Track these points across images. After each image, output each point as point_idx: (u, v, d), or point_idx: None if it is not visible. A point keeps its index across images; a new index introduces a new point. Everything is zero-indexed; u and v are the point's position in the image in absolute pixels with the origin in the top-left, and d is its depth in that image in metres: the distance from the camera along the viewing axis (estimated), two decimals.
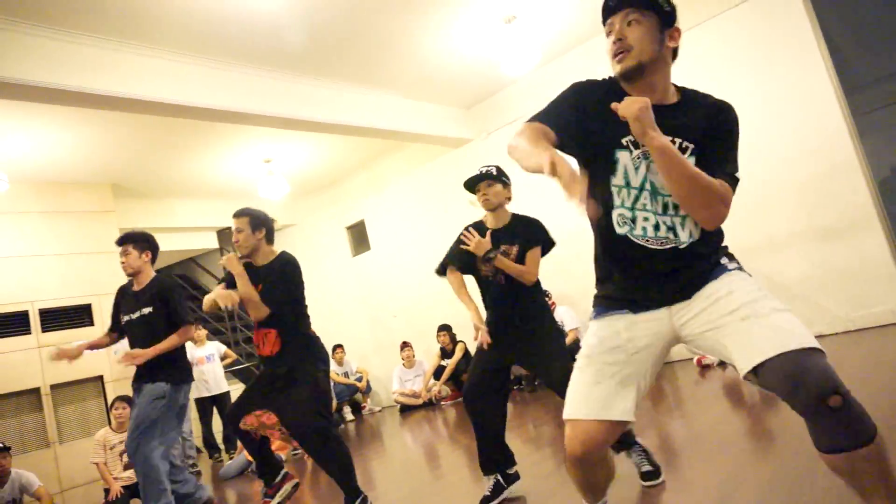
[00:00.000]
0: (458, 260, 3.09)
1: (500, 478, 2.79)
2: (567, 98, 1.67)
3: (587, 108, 1.62)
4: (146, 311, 3.56)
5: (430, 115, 7.08)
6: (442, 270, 3.17)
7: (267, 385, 3.14)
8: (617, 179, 1.60)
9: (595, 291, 1.79)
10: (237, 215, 3.26)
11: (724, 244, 1.67)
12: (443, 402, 7.34)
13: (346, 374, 8.46)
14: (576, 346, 6.35)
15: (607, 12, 1.61)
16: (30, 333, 6.22)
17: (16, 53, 4.07)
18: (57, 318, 6.42)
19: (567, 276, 6.82)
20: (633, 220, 1.60)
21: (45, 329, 6.29)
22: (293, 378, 3.05)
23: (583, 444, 1.58)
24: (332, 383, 8.01)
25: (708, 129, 1.59)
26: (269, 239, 3.28)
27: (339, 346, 8.67)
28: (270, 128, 6.16)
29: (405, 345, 7.92)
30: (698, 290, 1.56)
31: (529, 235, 3.02)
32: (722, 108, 1.63)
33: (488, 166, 3.08)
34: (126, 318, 3.65)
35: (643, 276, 1.62)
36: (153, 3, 4.23)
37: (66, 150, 6.13)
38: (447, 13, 5.19)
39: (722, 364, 5.08)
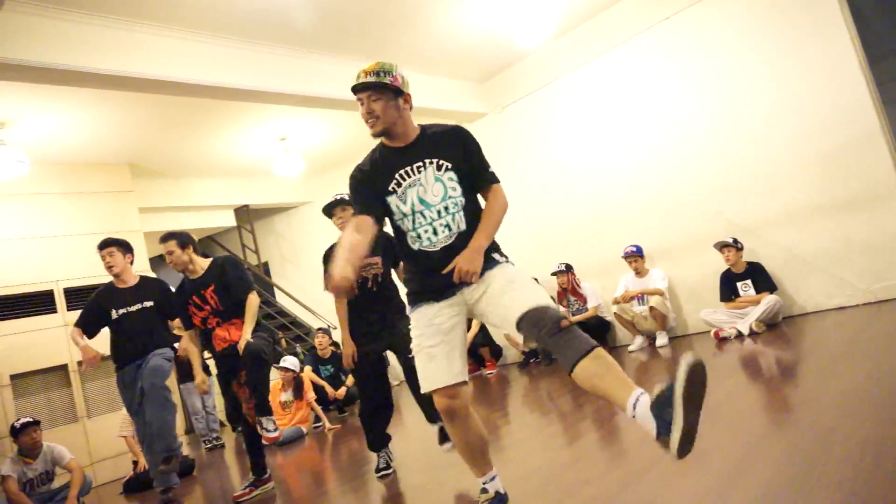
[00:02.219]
0: None
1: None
2: (360, 187, 2.22)
3: (374, 181, 2.18)
4: (147, 304, 4.23)
5: (445, 89, 7.03)
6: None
7: (233, 373, 3.75)
8: (397, 216, 2.19)
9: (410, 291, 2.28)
10: (163, 240, 3.77)
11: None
12: None
13: None
14: (596, 320, 6.37)
15: (356, 92, 2.22)
16: (56, 312, 6.36)
17: (32, 36, 4.09)
18: (81, 297, 6.53)
19: (587, 252, 6.81)
20: (419, 236, 2.16)
21: (70, 308, 6.43)
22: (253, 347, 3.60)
23: (447, 405, 2.11)
24: None
25: (458, 153, 2.17)
26: (197, 251, 3.89)
27: None
28: (285, 105, 6.16)
29: None
30: (480, 277, 2.05)
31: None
32: (456, 131, 2.22)
33: (341, 194, 3.47)
34: (122, 310, 4.19)
35: (437, 272, 2.10)
36: None
37: (84, 132, 6.19)
38: None
39: (739, 336, 5.07)
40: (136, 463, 5.35)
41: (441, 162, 2.15)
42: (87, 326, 4.19)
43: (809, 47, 4.98)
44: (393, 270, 3.63)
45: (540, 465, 2.90)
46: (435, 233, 2.14)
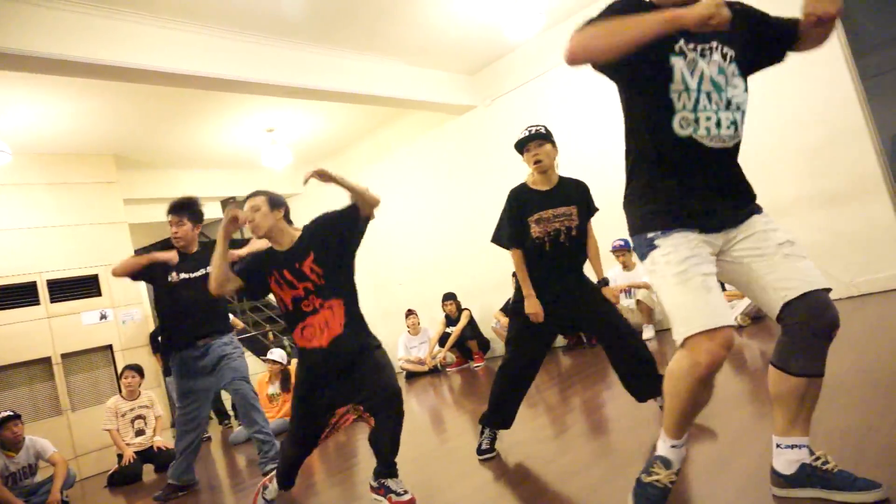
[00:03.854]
0: (515, 228, 2.99)
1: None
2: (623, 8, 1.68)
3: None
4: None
5: (434, 81, 7.00)
6: (509, 244, 3.00)
7: (329, 386, 2.68)
8: (676, 85, 1.66)
9: (635, 210, 1.79)
10: (250, 197, 2.84)
11: None
12: (448, 369, 7.43)
13: None
14: None
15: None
16: (38, 304, 6.28)
17: (17, 24, 4.02)
18: (65, 289, 6.48)
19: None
20: (696, 121, 1.66)
21: (53, 300, 6.35)
22: (366, 347, 2.68)
23: (721, 357, 1.60)
24: None
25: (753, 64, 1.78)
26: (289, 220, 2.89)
27: None
28: (272, 96, 6.11)
29: (410, 312, 7.98)
30: (748, 219, 1.72)
31: (584, 197, 3.06)
32: None
33: (536, 126, 3.02)
34: (184, 276, 3.87)
35: (702, 180, 1.70)
36: None
37: (67, 122, 6.11)
38: None
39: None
40: (120, 456, 5.31)
41: (739, 59, 1.72)
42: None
43: None
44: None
45: (527, 456, 2.91)
46: (718, 125, 1.67)
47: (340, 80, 6.00)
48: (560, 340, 6.88)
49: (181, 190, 8.54)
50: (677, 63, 1.66)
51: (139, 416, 5.49)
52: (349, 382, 2.63)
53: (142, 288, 7.23)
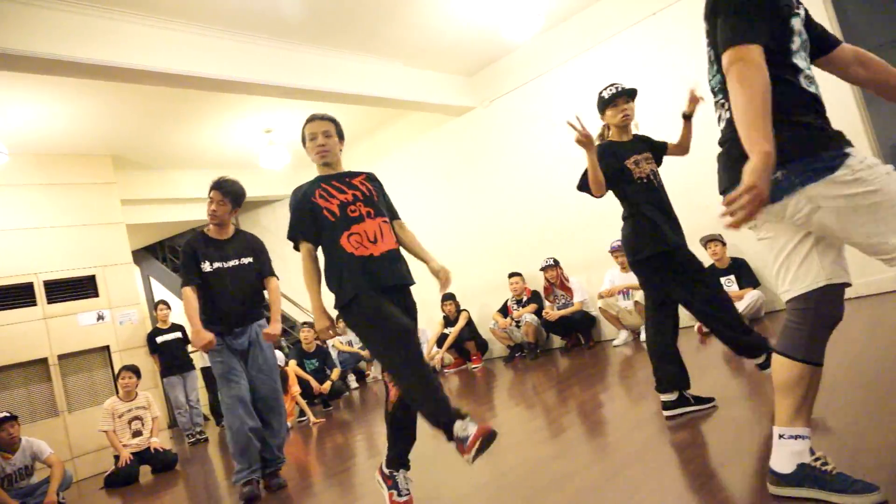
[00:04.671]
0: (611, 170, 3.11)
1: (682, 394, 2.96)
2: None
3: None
4: (245, 260, 3.73)
5: (432, 82, 7.01)
6: (599, 190, 3.08)
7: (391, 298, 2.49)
8: (794, 44, 1.69)
9: (803, 136, 1.70)
10: (323, 118, 2.70)
11: None
12: (446, 370, 7.42)
13: (350, 343, 8.53)
14: (581, 315, 6.38)
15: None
16: (35, 305, 6.27)
17: (13, 24, 4.01)
18: (62, 290, 6.47)
19: (573, 247, 6.84)
20: (812, 80, 1.73)
21: (50, 301, 6.34)
22: (409, 283, 2.64)
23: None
24: (336, 352, 8.10)
25: None
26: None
27: None
28: (271, 97, 6.11)
29: None
30: None
31: (650, 143, 3.31)
32: None
33: (616, 85, 3.29)
34: (218, 265, 3.63)
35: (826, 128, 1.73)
36: None
37: (66, 122, 6.10)
38: None
39: None
40: (117, 457, 5.29)
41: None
42: (196, 278, 3.60)
43: None
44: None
45: (525, 457, 2.90)
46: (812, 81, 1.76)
47: (338, 80, 6.00)
48: (558, 342, 6.88)
49: (179, 191, 8.57)
50: (795, 23, 1.71)
51: (136, 418, 5.48)
52: (403, 312, 2.49)
53: (139, 289, 7.23)
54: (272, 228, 10.29)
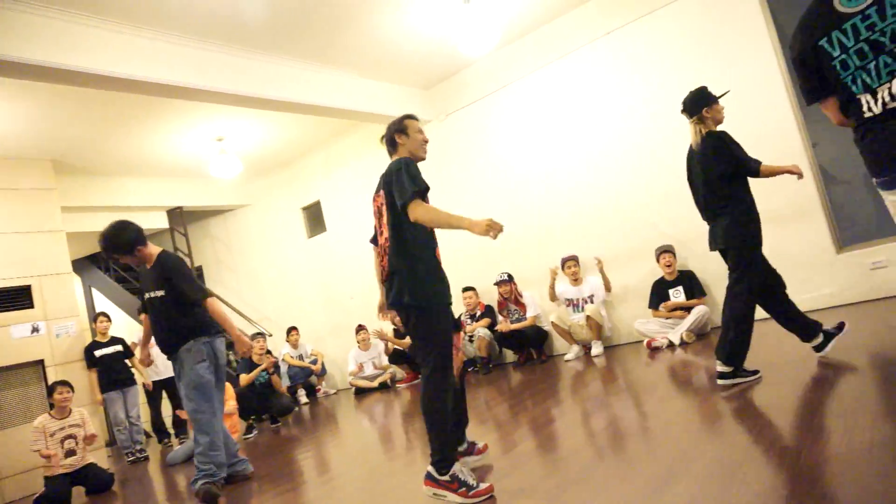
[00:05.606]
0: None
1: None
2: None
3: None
4: (158, 293, 3.79)
5: (388, 95, 6.98)
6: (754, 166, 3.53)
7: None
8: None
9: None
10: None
11: None
12: (398, 385, 7.34)
13: (300, 357, 8.37)
14: (534, 329, 6.41)
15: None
16: None
17: None
18: None
19: (527, 261, 6.88)
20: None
21: None
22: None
23: None
24: (286, 366, 7.92)
25: None
26: None
27: (294, 328, 8.56)
28: (223, 105, 5.97)
29: (360, 328, 7.88)
30: None
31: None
32: None
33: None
34: (147, 294, 3.87)
35: None
36: None
37: (2, 124, 5.81)
38: None
39: (671, 346, 5.21)
40: (47, 478, 5.00)
41: None
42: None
43: (740, 69, 5.21)
44: None
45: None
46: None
47: (293, 90, 5.91)
48: (510, 356, 6.90)
49: (125, 199, 8.28)
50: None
51: (69, 436, 5.19)
52: None
53: (79, 299, 6.91)
54: (223, 238, 10.05)
